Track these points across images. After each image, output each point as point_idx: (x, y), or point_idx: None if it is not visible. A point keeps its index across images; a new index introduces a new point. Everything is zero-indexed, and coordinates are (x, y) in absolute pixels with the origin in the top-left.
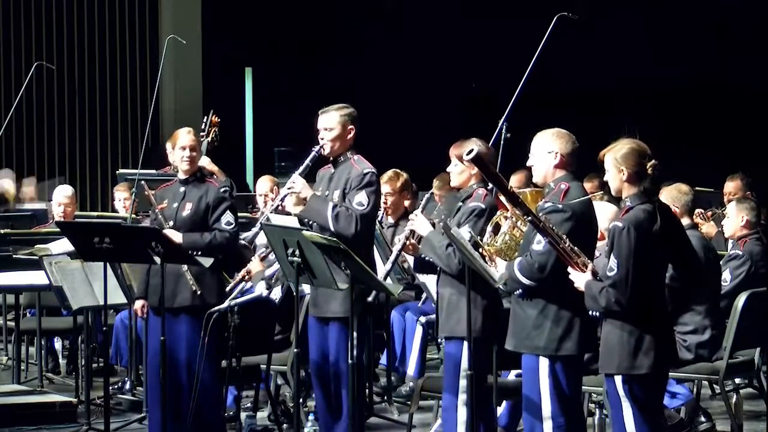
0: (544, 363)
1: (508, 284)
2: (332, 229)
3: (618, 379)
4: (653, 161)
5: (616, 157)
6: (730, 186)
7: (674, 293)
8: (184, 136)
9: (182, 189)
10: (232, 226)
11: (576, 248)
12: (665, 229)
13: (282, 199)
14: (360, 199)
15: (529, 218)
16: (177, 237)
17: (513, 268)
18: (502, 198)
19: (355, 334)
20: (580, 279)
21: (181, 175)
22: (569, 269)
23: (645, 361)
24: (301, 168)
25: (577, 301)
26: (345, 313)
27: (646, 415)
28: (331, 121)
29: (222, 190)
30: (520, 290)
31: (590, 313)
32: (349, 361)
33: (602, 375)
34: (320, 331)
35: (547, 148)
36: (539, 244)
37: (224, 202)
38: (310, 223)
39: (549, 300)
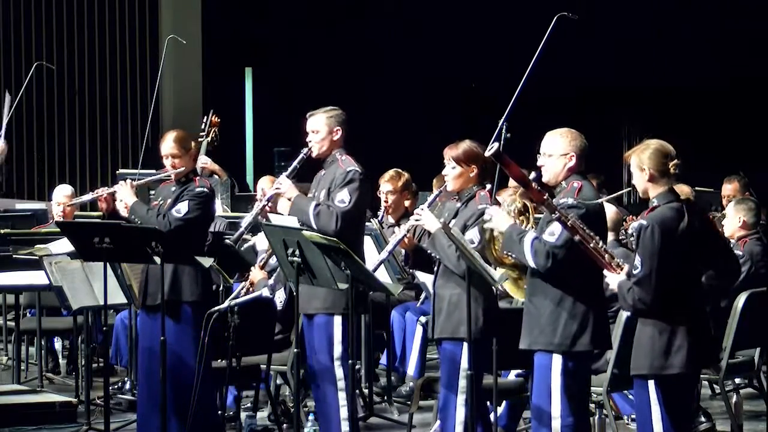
0: (557, 360)
1: (506, 245)
2: (314, 226)
3: (651, 382)
4: (676, 161)
5: (640, 157)
6: (728, 188)
7: (712, 292)
8: (163, 144)
9: (173, 188)
10: (181, 214)
11: (608, 248)
12: (695, 228)
13: (269, 200)
14: (342, 197)
15: (556, 216)
16: (129, 199)
17: (524, 238)
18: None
19: (339, 330)
20: (614, 280)
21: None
22: (604, 271)
23: (677, 361)
24: (289, 170)
25: (592, 297)
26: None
27: (675, 418)
28: (317, 124)
29: (198, 189)
30: (513, 256)
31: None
32: (349, 361)
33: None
34: (306, 327)
35: (562, 150)
36: (552, 236)
37: (188, 195)
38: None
39: (564, 295)
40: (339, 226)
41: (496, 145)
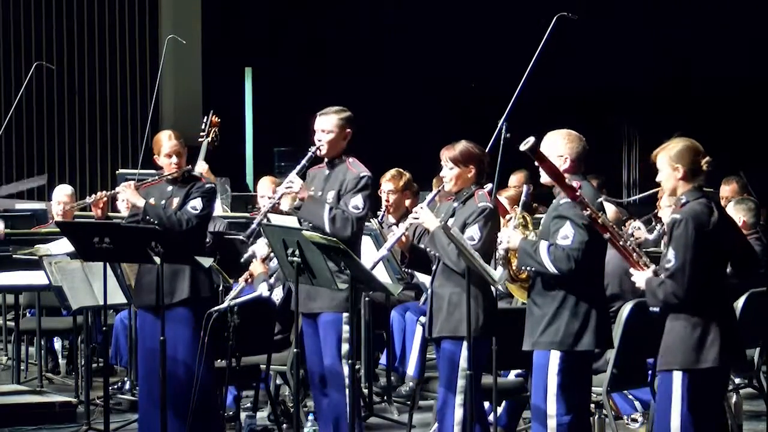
0: (554, 359)
1: (521, 260)
2: (328, 230)
3: (677, 375)
4: (707, 158)
5: (670, 155)
6: (726, 189)
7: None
8: (166, 143)
9: (170, 188)
10: (197, 211)
11: (636, 247)
12: (721, 225)
13: (279, 198)
14: (356, 203)
15: (588, 212)
16: (139, 201)
17: (539, 249)
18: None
19: (347, 327)
20: (640, 277)
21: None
22: (631, 269)
23: (710, 356)
24: (298, 168)
25: (594, 297)
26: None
27: (697, 414)
28: (329, 124)
29: (207, 186)
30: (532, 270)
31: (650, 309)
32: (348, 361)
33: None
34: (310, 327)
35: (558, 152)
36: (566, 239)
37: (198, 192)
38: (301, 221)
39: (567, 295)
40: (354, 231)
41: (532, 139)
